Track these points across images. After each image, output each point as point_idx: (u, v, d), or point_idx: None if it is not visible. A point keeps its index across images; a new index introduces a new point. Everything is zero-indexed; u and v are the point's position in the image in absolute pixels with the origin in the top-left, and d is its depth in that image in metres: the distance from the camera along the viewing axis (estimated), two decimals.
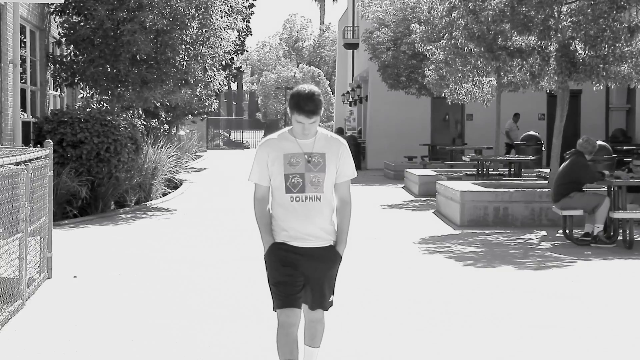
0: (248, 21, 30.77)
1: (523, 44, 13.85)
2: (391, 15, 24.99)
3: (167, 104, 23.39)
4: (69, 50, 17.75)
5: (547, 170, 18.35)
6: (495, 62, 14.29)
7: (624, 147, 22.66)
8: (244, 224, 13.63)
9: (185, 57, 17.19)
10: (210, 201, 19.01)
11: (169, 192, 20.44)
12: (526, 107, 28.12)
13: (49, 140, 9.70)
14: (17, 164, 7.64)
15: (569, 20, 13.31)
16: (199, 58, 17.61)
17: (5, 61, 14.52)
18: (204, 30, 17.48)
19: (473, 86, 18.85)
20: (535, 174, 19.47)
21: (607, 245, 11.60)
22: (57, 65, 17.57)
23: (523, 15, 13.23)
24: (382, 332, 6.87)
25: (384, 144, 31.70)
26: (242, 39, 32.94)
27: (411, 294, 8.42)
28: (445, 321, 7.23)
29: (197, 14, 17.10)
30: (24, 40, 16.45)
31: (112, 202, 16.74)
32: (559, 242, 12.12)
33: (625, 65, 13.52)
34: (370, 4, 25.85)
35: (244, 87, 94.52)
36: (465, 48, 14.46)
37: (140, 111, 21.21)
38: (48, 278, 9.10)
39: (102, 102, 18.60)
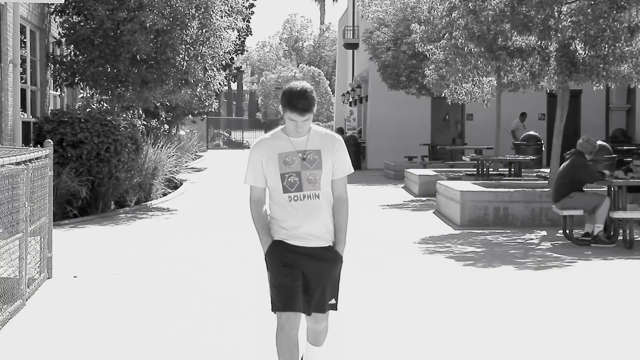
0: (248, 21, 30.79)
1: (523, 44, 13.85)
2: (391, 15, 24.99)
3: (167, 104, 23.39)
4: (69, 50, 17.75)
5: (547, 170, 18.35)
6: (495, 62, 14.29)
7: (624, 147, 22.64)
8: (244, 224, 13.62)
9: (185, 57, 17.20)
10: (211, 201, 19.01)
11: (169, 192, 20.44)
12: (526, 107, 28.12)
13: (49, 140, 9.70)
14: (17, 164, 7.64)
15: (569, 20, 13.32)
16: (199, 58, 17.61)
17: (5, 61, 14.52)
18: (204, 30, 17.48)
19: (473, 86, 18.85)
20: (535, 174, 19.48)
21: (607, 245, 11.60)
22: (57, 65, 17.57)
23: (523, 15, 13.23)
24: (382, 332, 6.87)
25: (384, 144, 31.70)
26: (242, 39, 32.95)
27: (411, 294, 8.42)
28: (445, 321, 7.23)
29: (197, 14, 17.10)
30: (24, 40, 16.45)
31: (112, 202, 16.74)
32: (559, 242, 12.12)
33: (625, 65, 13.52)
34: (370, 4, 25.85)
35: (244, 87, 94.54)
36: (465, 48, 14.46)
37: (140, 111, 21.22)
38: (48, 278, 9.10)
39: (102, 102, 18.61)
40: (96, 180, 15.78)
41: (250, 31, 33.08)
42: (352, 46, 41.24)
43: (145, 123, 21.92)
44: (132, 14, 16.33)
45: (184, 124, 39.32)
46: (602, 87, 14.36)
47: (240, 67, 56.83)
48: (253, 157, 4.79)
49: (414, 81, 24.93)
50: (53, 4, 16.85)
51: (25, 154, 8.21)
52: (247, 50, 67.40)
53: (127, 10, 16.40)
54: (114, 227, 14.22)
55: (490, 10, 13.54)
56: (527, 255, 10.99)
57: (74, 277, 9.31)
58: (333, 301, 4.87)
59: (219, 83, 20.85)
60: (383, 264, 10.31)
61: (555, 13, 13.34)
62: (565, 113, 14.54)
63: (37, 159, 8.65)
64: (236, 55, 32.06)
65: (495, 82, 17.66)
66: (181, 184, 22.88)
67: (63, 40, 17.49)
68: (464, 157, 23.56)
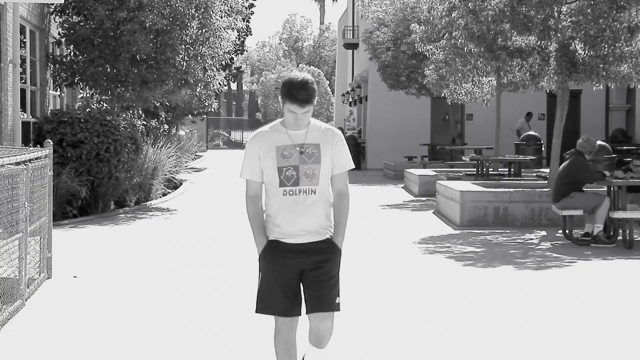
0: (248, 21, 30.78)
1: (523, 44, 13.85)
2: (391, 15, 24.99)
3: (167, 104, 23.38)
4: (69, 50, 17.75)
5: (547, 170, 18.34)
6: (495, 62, 14.29)
7: (624, 147, 22.65)
8: (244, 224, 13.60)
9: (185, 57, 17.19)
10: (210, 201, 19.00)
11: (169, 192, 20.44)
12: (526, 107, 28.11)
13: (49, 140, 9.70)
14: (17, 164, 7.64)
15: (569, 20, 13.32)
16: (199, 58, 17.61)
17: (5, 61, 14.52)
18: (203, 30, 17.48)
19: (473, 86, 18.85)
20: (535, 174, 19.48)
21: (607, 245, 11.60)
22: (57, 65, 17.56)
23: (523, 15, 13.23)
24: (382, 332, 6.87)
25: (383, 144, 31.70)
26: (242, 39, 32.95)
27: (411, 294, 8.42)
28: (445, 321, 7.23)
29: (197, 14, 17.10)
30: (24, 40, 16.45)
31: (112, 202, 16.74)
32: (559, 242, 12.12)
33: (625, 65, 13.52)
34: (370, 4, 25.84)
35: (244, 87, 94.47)
36: (465, 48, 14.46)
37: (140, 111, 21.21)
38: (48, 278, 9.09)
39: (102, 102, 18.60)
40: (96, 180, 15.78)
41: (250, 31, 33.08)
42: (352, 46, 41.24)
43: (145, 123, 21.91)
44: (132, 14, 16.33)
45: (183, 124, 39.32)
46: (601, 87, 14.37)
47: (240, 67, 56.84)
48: (250, 149, 4.66)
49: (414, 81, 24.94)
50: (53, 4, 16.85)
51: (25, 154, 8.20)
52: (247, 50, 67.38)
53: (127, 10, 16.40)
54: (114, 227, 14.21)
55: (490, 10, 13.54)
56: (527, 255, 10.99)
57: (74, 277, 9.31)
58: (338, 300, 4.72)
59: (219, 83, 20.85)
60: (383, 264, 10.31)
61: (555, 13, 13.34)
62: (565, 113, 14.54)
63: (36, 159, 8.65)
64: (236, 55, 32.05)
65: (495, 82, 17.66)
66: (181, 184, 22.88)
67: (63, 40, 17.48)
68: (463, 157, 23.57)
